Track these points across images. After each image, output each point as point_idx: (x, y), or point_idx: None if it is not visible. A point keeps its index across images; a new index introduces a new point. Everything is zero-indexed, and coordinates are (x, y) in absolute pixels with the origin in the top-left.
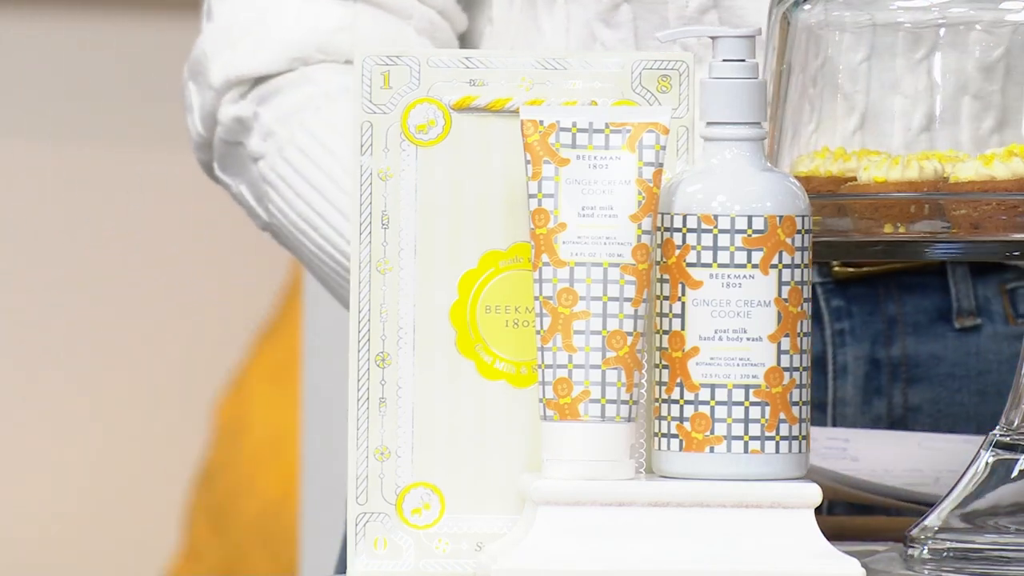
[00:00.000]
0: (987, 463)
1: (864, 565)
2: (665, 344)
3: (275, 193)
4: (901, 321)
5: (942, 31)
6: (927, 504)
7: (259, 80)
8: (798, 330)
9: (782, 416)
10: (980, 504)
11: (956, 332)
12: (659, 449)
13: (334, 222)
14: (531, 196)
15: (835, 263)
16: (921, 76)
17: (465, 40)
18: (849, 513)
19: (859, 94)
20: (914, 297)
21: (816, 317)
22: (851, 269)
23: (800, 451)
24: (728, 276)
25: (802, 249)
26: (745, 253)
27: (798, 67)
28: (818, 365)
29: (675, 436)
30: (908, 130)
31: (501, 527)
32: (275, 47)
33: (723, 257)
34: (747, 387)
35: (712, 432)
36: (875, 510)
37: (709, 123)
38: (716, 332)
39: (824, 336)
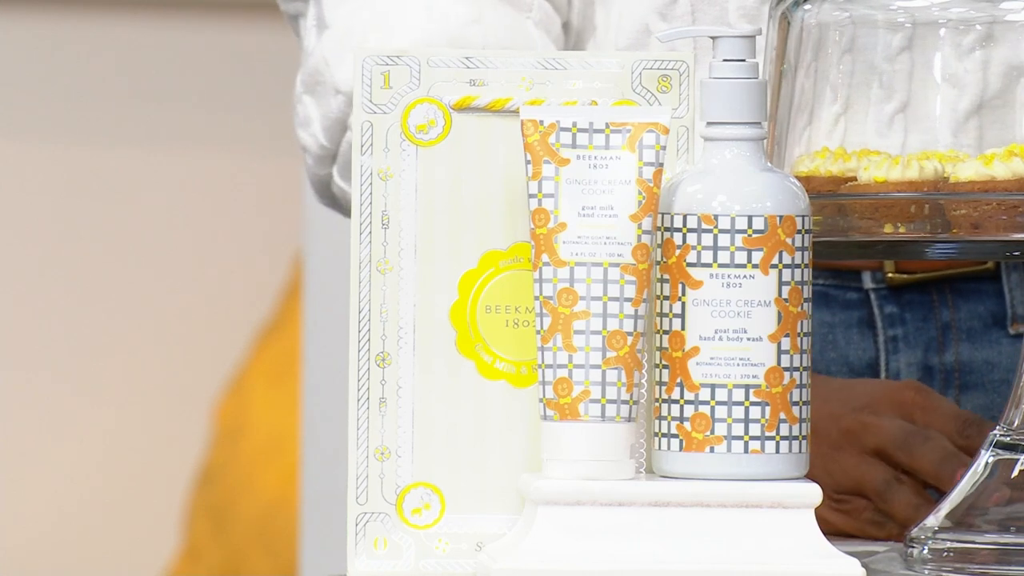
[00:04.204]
0: (987, 463)
1: (864, 565)
2: (665, 344)
3: None
4: (955, 327)
5: (942, 31)
6: None
7: None
8: (798, 330)
9: (782, 416)
10: (980, 504)
11: (1011, 338)
12: (659, 449)
13: None
14: (531, 196)
15: (889, 269)
16: (964, 72)
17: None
18: None
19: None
20: (968, 303)
21: (869, 323)
22: (905, 275)
23: (800, 451)
24: (728, 276)
25: (802, 249)
26: (745, 253)
27: (807, 65)
28: (871, 371)
29: (675, 436)
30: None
31: (501, 527)
32: (407, 41)
33: (723, 257)
34: (747, 387)
35: (712, 432)
36: None
37: (709, 123)
38: (716, 332)
39: (877, 342)
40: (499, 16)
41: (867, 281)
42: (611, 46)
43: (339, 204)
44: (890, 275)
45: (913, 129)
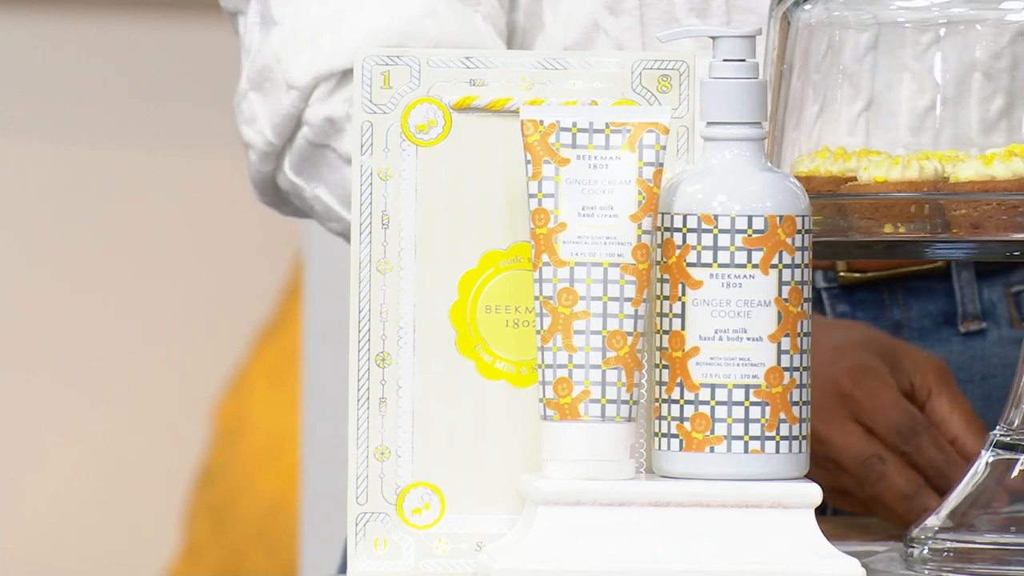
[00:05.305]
0: (987, 463)
1: (864, 565)
2: (665, 344)
3: None
4: (906, 326)
5: (942, 30)
6: None
7: (347, 74)
8: (798, 330)
9: (782, 416)
10: (980, 504)
11: (961, 336)
12: (659, 449)
13: None
14: (531, 196)
15: (841, 268)
16: (925, 70)
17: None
18: (849, 513)
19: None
20: (919, 301)
21: None
22: (857, 274)
23: (800, 451)
24: (728, 276)
25: (802, 249)
26: (745, 253)
27: (798, 66)
28: None
29: (675, 436)
30: (911, 122)
31: (501, 527)
32: (361, 36)
33: (723, 257)
34: (747, 387)
35: (712, 432)
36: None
37: (709, 123)
38: (716, 332)
39: None
40: (450, 10)
41: (819, 280)
42: (559, 43)
43: (283, 201)
44: (842, 274)
45: (876, 128)
